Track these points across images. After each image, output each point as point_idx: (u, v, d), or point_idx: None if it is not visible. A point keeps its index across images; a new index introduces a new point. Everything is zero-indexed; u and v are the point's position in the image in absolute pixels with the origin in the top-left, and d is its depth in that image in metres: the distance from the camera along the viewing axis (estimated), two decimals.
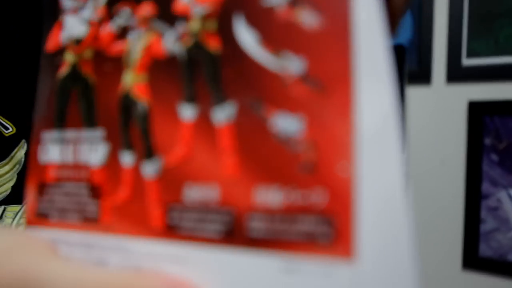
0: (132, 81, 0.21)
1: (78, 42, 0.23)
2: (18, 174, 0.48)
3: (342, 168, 0.15)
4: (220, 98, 0.18)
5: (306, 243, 0.15)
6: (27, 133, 0.49)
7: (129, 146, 0.21)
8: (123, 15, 0.21)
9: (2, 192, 0.47)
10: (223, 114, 0.18)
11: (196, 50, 0.19)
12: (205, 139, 0.18)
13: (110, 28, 0.22)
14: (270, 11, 0.17)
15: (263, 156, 0.16)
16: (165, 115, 0.19)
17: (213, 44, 0.18)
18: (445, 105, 1.36)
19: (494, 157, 1.28)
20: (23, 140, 0.49)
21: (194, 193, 0.18)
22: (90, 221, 0.21)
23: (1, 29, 0.50)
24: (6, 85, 0.49)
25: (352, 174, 0.15)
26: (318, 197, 0.15)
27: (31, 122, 0.49)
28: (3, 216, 0.47)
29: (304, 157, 0.16)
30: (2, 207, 0.47)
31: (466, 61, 1.30)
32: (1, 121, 0.48)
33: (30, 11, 0.50)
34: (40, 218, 0.23)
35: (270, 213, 0.16)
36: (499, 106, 1.27)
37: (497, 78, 1.27)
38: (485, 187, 1.30)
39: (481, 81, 1.30)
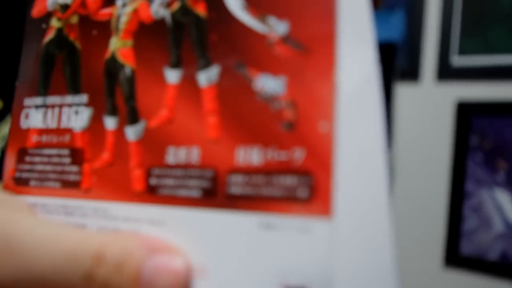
0: (118, 46, 0.21)
1: (64, 7, 0.23)
2: (2, 150, 0.47)
3: (321, 127, 0.15)
4: (206, 62, 0.18)
5: (285, 201, 0.15)
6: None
7: (113, 110, 0.20)
8: None
9: None
10: (207, 77, 0.18)
11: (182, 14, 0.19)
12: (189, 102, 0.18)
13: None
14: None
15: (245, 117, 0.17)
16: (150, 79, 0.19)
17: (199, 9, 0.18)
18: (433, 103, 1.38)
19: (479, 157, 1.30)
20: (9, 115, 0.48)
21: (176, 155, 0.18)
22: (70, 186, 0.21)
23: None
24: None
25: (332, 133, 0.15)
26: (297, 155, 0.15)
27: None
28: None
29: (284, 116, 0.16)
30: None
31: (456, 60, 1.32)
32: None
33: None
34: (19, 184, 0.22)
35: (249, 172, 0.16)
36: (487, 106, 1.28)
37: (487, 78, 1.28)
38: (469, 186, 1.32)
39: (470, 80, 1.31)
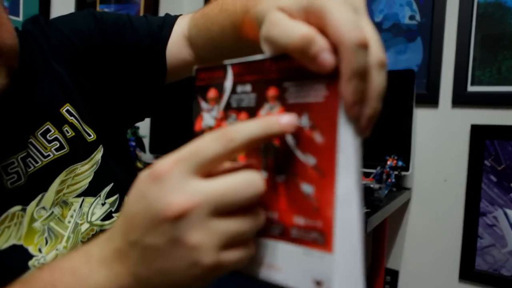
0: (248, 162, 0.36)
1: (210, 128, 0.37)
2: (95, 172, 0.59)
3: (330, 213, 0.29)
4: (280, 170, 0.32)
5: (313, 243, 0.30)
6: (104, 139, 0.61)
7: None
8: (232, 117, 0.35)
9: (82, 186, 0.58)
10: (280, 178, 0.32)
11: (266, 144, 0.33)
12: (271, 188, 0.33)
13: (225, 123, 0.36)
14: (301, 129, 0.31)
15: (297, 201, 0.31)
16: None
17: (276, 142, 0.33)
18: (450, 127, 1.44)
19: (493, 177, 1.35)
20: (101, 145, 0.60)
21: (268, 214, 0.33)
22: None
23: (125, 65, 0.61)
24: (92, 102, 0.61)
25: (333, 216, 0.29)
26: (318, 223, 0.30)
27: (108, 131, 0.60)
28: (82, 205, 0.59)
29: (313, 205, 0.30)
30: (82, 197, 0.58)
31: (471, 88, 1.38)
32: (86, 129, 0.59)
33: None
34: None
35: (300, 228, 0.31)
36: (500, 130, 1.34)
37: (498, 105, 1.34)
38: (483, 205, 1.36)
39: (484, 107, 1.37)
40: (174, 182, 0.29)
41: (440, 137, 1.46)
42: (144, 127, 1.86)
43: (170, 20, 0.63)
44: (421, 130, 1.49)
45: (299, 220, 0.31)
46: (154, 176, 0.29)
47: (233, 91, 0.36)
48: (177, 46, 0.61)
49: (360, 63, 0.27)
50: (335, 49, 0.28)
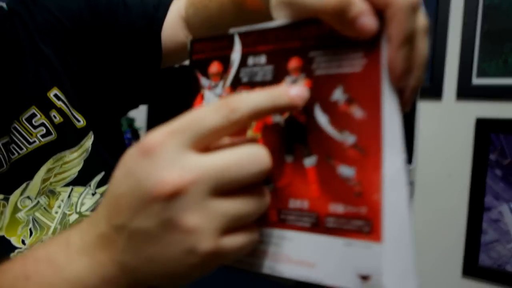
0: (252, 136, 0.32)
1: None
2: (84, 160, 0.56)
3: (375, 197, 0.26)
4: (308, 152, 0.29)
5: (357, 232, 0.27)
6: (94, 126, 0.58)
7: None
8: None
9: (70, 175, 0.55)
10: (309, 162, 0.29)
11: (291, 121, 0.30)
12: (299, 174, 0.29)
13: None
14: (335, 103, 0.28)
15: (333, 187, 0.28)
16: (274, 158, 0.30)
17: (301, 119, 0.29)
18: (454, 120, 1.41)
19: (498, 172, 1.33)
20: (91, 132, 0.57)
21: (294, 203, 0.30)
22: None
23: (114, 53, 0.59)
24: (82, 86, 0.57)
25: (380, 200, 0.26)
26: (362, 210, 0.27)
27: (99, 117, 0.57)
28: (71, 195, 0.56)
29: (355, 189, 0.27)
30: (70, 187, 0.55)
31: (476, 80, 1.36)
32: (75, 114, 0.56)
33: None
34: None
35: (337, 216, 0.28)
36: (505, 124, 1.32)
37: (504, 98, 1.32)
38: (488, 200, 1.35)
39: (489, 100, 1.35)
40: (167, 157, 0.25)
41: (444, 130, 1.43)
42: (140, 118, 1.82)
43: (166, 0, 0.60)
44: (425, 124, 1.47)
45: (337, 208, 0.28)
46: (143, 150, 0.26)
47: (243, 63, 0.32)
48: (173, 28, 0.59)
49: (411, 27, 0.24)
50: (375, 12, 0.25)
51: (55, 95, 0.54)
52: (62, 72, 0.55)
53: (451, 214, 1.43)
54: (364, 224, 0.26)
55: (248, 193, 0.27)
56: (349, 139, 0.27)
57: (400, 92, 0.26)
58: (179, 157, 0.25)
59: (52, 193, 0.55)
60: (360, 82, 0.27)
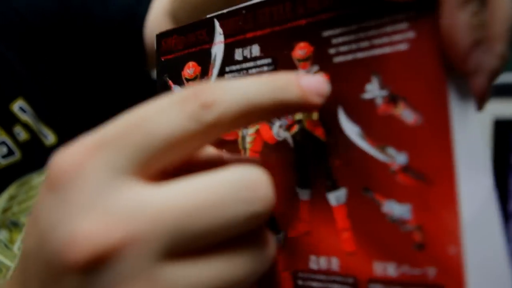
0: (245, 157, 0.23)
1: None
2: None
3: (450, 250, 0.17)
4: (333, 184, 0.20)
5: None
6: (68, 142, 0.50)
7: None
8: None
9: None
10: (336, 197, 0.20)
11: (303, 137, 0.21)
12: (322, 217, 0.21)
13: None
14: (369, 104, 0.19)
15: (377, 235, 0.19)
16: (283, 196, 0.21)
17: (318, 133, 0.20)
18: None
19: None
20: None
21: (317, 262, 0.21)
22: None
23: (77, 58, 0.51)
24: (53, 95, 0.50)
25: (460, 255, 0.17)
26: (430, 272, 0.18)
27: (73, 132, 0.49)
28: None
29: (414, 238, 0.18)
30: None
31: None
32: (44, 130, 0.49)
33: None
34: None
35: (387, 282, 0.19)
36: None
37: None
38: None
39: (507, 98, 1.29)
40: (86, 192, 0.16)
41: None
42: None
43: None
44: None
45: (387, 269, 0.19)
46: (51, 180, 0.16)
47: (228, 59, 0.23)
48: (157, 24, 0.52)
49: None
50: None
51: (20, 108, 0.47)
52: (29, 79, 0.48)
53: None
54: None
55: (237, 247, 0.17)
56: (397, 158, 0.18)
57: (474, 78, 0.18)
58: (107, 191, 0.16)
59: (14, 226, 0.46)
60: (407, 68, 0.18)
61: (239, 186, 0.16)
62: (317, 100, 0.18)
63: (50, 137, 0.49)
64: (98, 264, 0.15)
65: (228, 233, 0.17)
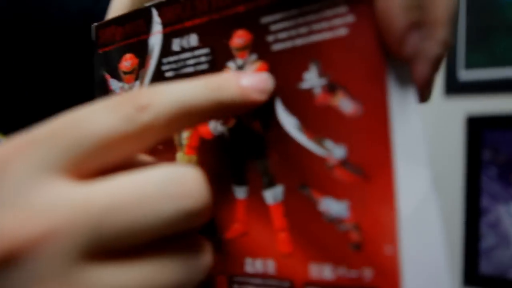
0: (185, 161, 0.22)
1: None
2: None
3: (387, 250, 0.16)
4: (269, 180, 0.19)
5: None
6: None
7: None
8: None
9: None
10: (272, 195, 0.19)
11: (240, 130, 0.20)
12: (259, 217, 0.20)
13: None
14: (307, 94, 0.18)
15: (314, 236, 0.18)
16: (219, 195, 0.20)
17: (255, 126, 0.19)
18: (442, 118, 1.36)
19: (493, 171, 1.27)
20: None
21: (253, 265, 0.20)
22: None
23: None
24: (4, 103, 0.47)
25: (397, 256, 0.16)
26: (366, 273, 0.17)
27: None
28: None
29: (351, 238, 0.17)
30: None
31: (463, 74, 1.30)
32: None
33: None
34: None
35: (323, 285, 0.18)
36: (498, 120, 1.27)
37: (495, 91, 1.27)
38: (485, 202, 1.29)
39: (479, 94, 1.30)
40: (9, 187, 0.15)
41: (433, 129, 1.38)
42: None
43: None
44: None
45: (323, 271, 0.18)
46: None
47: (166, 50, 0.22)
48: None
49: None
50: None
51: None
52: None
53: (445, 219, 1.37)
54: None
55: (167, 251, 0.16)
56: (335, 152, 0.17)
57: (415, 64, 0.17)
58: (30, 188, 0.15)
59: None
60: (346, 54, 0.17)
61: (166, 182, 0.16)
62: (260, 97, 0.18)
63: None
64: (9, 260, 0.14)
65: (157, 233, 0.16)
